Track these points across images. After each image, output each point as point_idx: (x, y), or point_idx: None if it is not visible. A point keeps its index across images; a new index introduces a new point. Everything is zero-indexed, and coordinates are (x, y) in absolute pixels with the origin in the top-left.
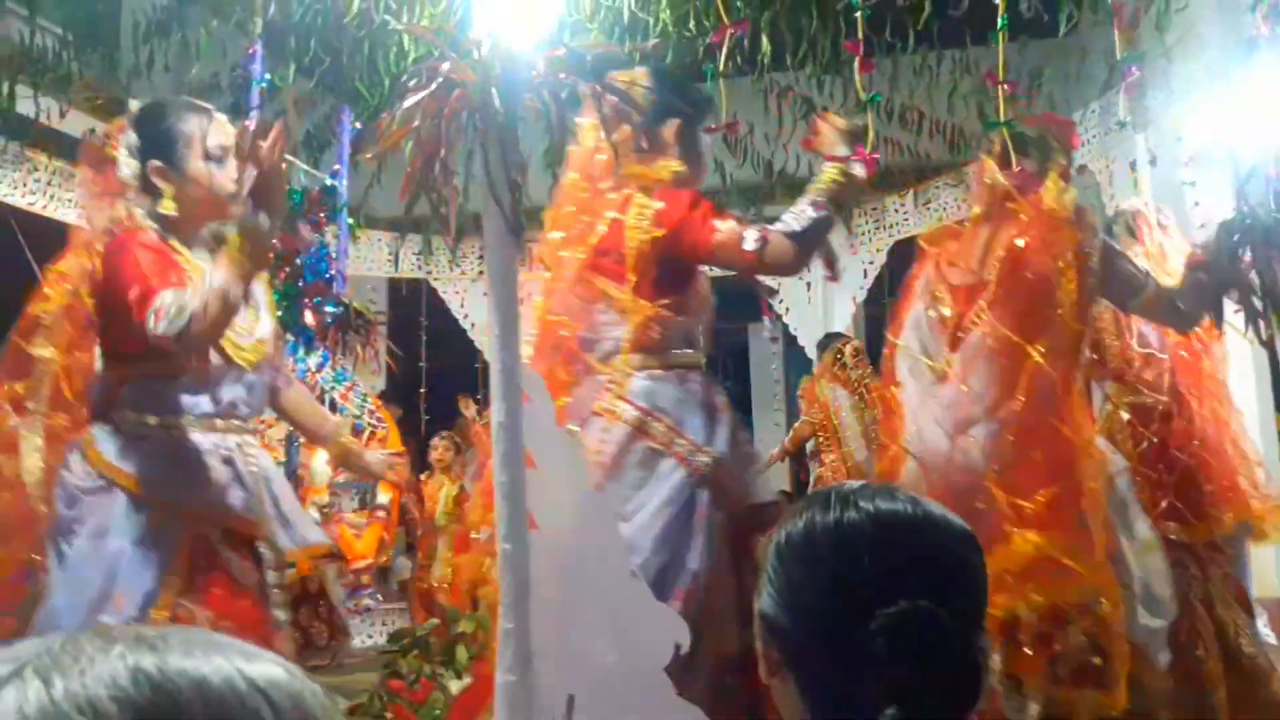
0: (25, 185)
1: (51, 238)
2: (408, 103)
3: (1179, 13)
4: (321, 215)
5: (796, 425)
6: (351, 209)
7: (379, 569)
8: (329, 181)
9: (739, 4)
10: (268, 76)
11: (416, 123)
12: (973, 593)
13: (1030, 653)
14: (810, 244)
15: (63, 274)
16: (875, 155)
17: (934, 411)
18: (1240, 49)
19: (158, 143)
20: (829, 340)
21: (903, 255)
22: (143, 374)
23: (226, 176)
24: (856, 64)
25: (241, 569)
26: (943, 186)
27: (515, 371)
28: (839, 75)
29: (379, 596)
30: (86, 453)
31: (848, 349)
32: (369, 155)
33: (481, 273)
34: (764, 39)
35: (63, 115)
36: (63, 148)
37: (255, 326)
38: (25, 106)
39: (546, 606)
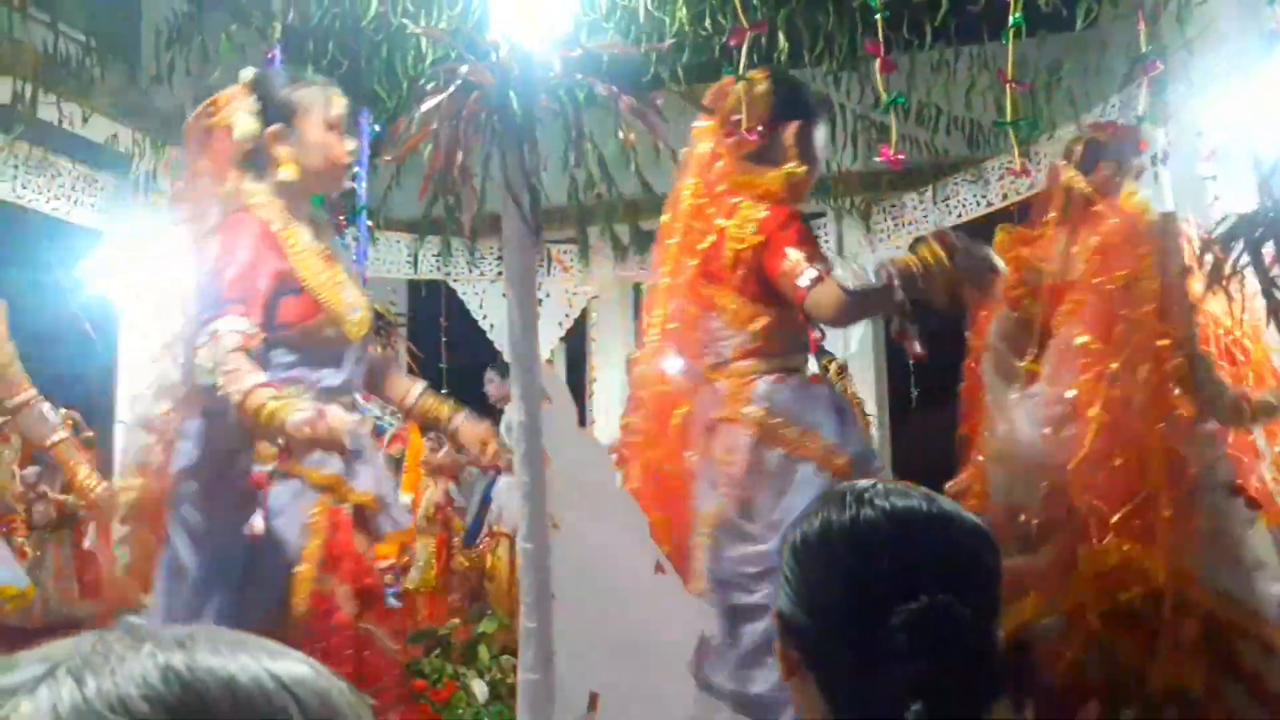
0: (50, 190)
1: (74, 242)
2: (426, 105)
3: (1199, 6)
4: (341, 217)
5: None
6: (370, 211)
7: (401, 569)
8: (348, 184)
9: (755, 2)
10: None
11: (435, 125)
12: (989, 588)
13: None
14: (858, 309)
15: None
16: (900, 156)
17: (1029, 411)
18: (1261, 42)
19: (279, 108)
20: (818, 357)
21: None
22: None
23: (343, 147)
24: (877, 65)
25: (363, 546)
26: (961, 183)
27: (535, 371)
28: (855, 72)
29: (401, 596)
30: None
31: (832, 367)
32: (388, 158)
33: (500, 273)
34: (780, 37)
35: (85, 121)
36: (85, 153)
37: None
38: (47, 112)
39: (568, 605)
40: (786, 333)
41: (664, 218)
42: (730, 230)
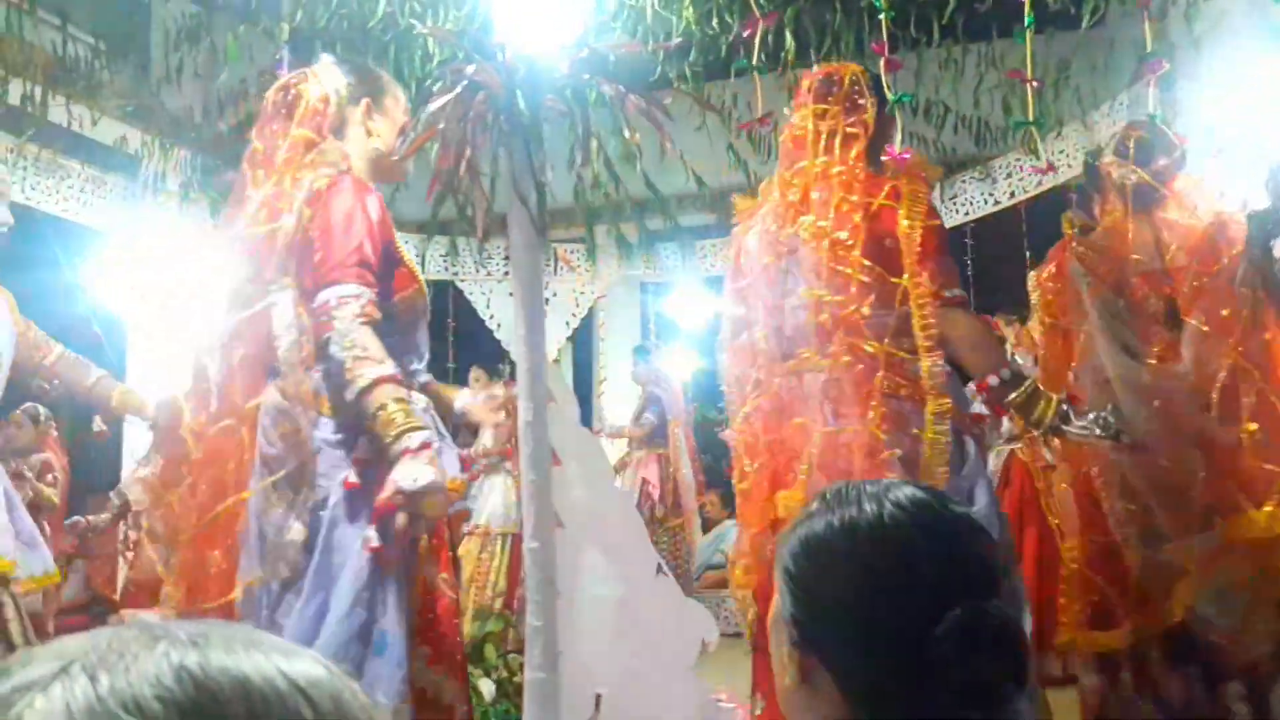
0: (59, 192)
1: (83, 244)
2: (433, 106)
3: (1207, 3)
4: None
5: None
6: None
7: None
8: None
9: (763, 1)
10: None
11: (442, 125)
12: (1009, 581)
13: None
14: (980, 362)
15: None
16: (906, 154)
17: (1182, 396)
18: (1269, 39)
19: (370, 84)
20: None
21: None
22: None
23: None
24: (883, 64)
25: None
26: (969, 181)
27: (541, 371)
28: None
29: None
30: (314, 404)
31: None
32: (395, 157)
33: (508, 273)
34: (788, 34)
35: (94, 123)
36: (94, 155)
37: None
38: (57, 114)
39: (574, 604)
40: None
41: (791, 195)
42: (904, 211)
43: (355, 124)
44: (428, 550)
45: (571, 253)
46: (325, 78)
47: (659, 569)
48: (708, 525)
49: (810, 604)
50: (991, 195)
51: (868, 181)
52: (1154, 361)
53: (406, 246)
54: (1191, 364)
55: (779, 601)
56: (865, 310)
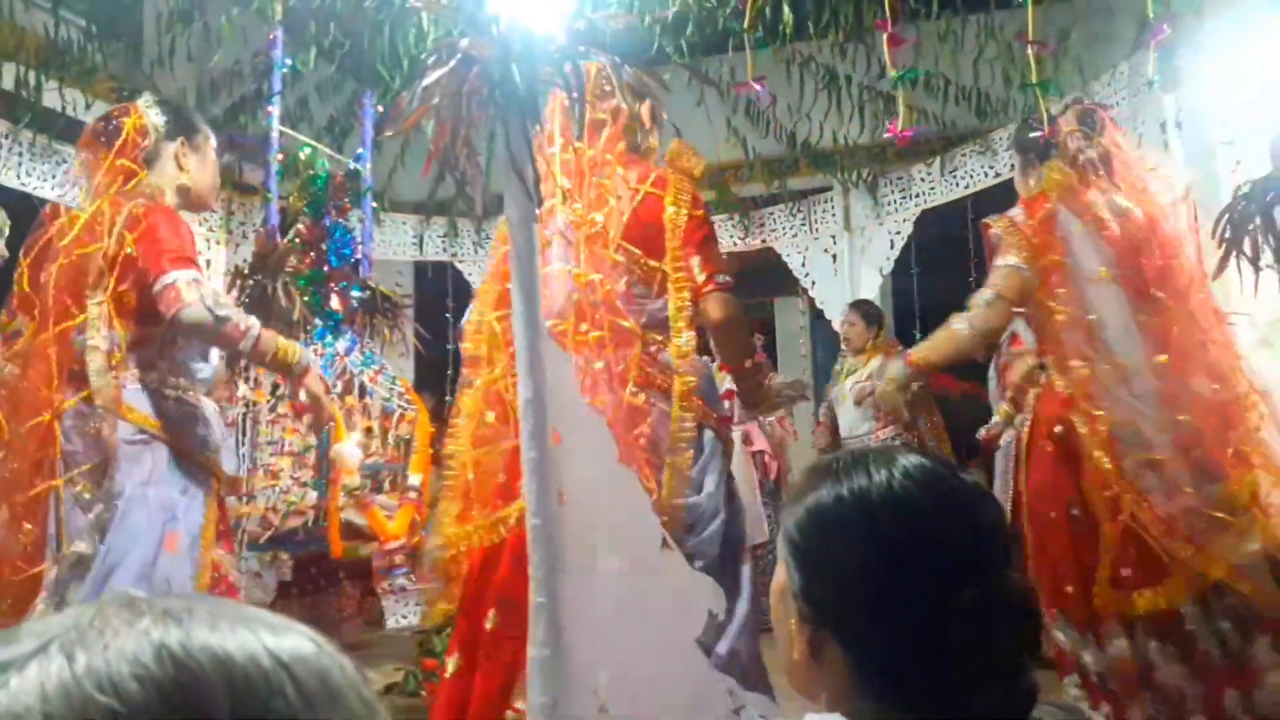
0: (54, 177)
1: None
2: (427, 80)
3: None
4: (345, 200)
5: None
6: (375, 193)
7: (412, 549)
8: (352, 165)
9: None
10: (289, 61)
11: (437, 100)
12: (1013, 548)
13: None
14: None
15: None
16: (909, 133)
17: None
18: (1273, 7)
19: (185, 125)
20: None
21: (929, 225)
22: (161, 339)
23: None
24: (885, 40)
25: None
26: (969, 154)
27: (539, 349)
28: (861, 44)
29: (413, 576)
30: (119, 410)
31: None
32: (390, 133)
33: None
34: (785, 8)
35: (88, 107)
36: None
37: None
38: (50, 99)
39: (577, 580)
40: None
41: (562, 182)
42: (669, 200)
43: (168, 158)
44: (214, 534)
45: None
46: (147, 114)
47: (664, 543)
48: None
49: (820, 577)
50: (992, 168)
51: (629, 166)
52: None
53: (404, 228)
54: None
55: (783, 574)
56: (620, 288)
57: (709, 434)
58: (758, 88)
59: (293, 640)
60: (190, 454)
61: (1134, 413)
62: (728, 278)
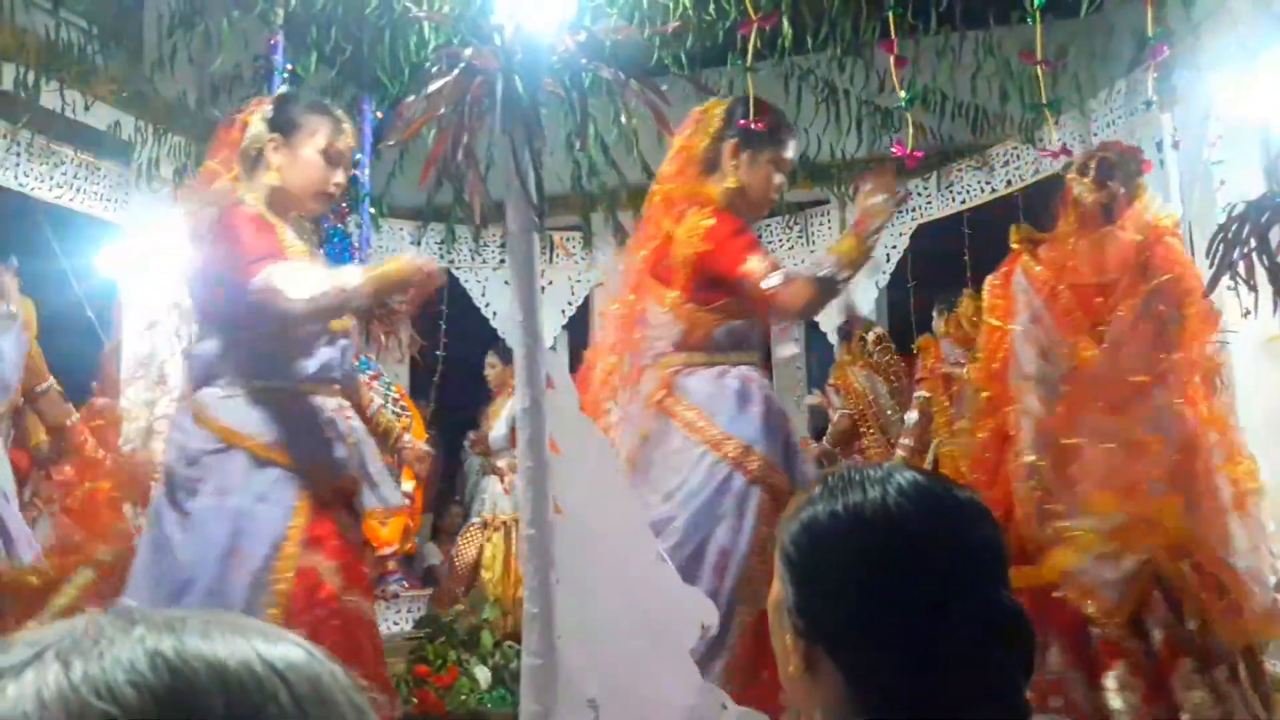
0: (52, 179)
1: (78, 231)
2: (430, 89)
3: None
4: (344, 205)
5: (835, 420)
6: (373, 198)
7: (405, 556)
8: (351, 171)
9: None
10: (289, 66)
11: (439, 110)
12: (1007, 565)
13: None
14: (823, 298)
15: None
16: (919, 154)
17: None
18: (1270, 25)
19: (284, 122)
20: (849, 326)
21: (924, 239)
22: (249, 341)
23: (329, 176)
24: (892, 62)
25: (345, 524)
26: (966, 169)
27: (538, 358)
28: (860, 58)
29: (405, 583)
30: (199, 416)
31: (870, 335)
32: (391, 143)
33: (503, 261)
34: (784, 22)
35: (88, 109)
36: (88, 141)
37: None
38: (50, 100)
39: (571, 590)
40: (721, 330)
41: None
42: (679, 235)
43: (267, 156)
44: (303, 540)
45: (568, 240)
46: (261, 109)
47: (658, 555)
48: None
49: (814, 593)
50: (989, 183)
51: (664, 201)
52: (1066, 365)
53: (401, 234)
54: (1106, 370)
55: (779, 589)
56: (633, 320)
57: (705, 451)
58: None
59: (285, 648)
60: (277, 459)
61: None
62: (786, 271)
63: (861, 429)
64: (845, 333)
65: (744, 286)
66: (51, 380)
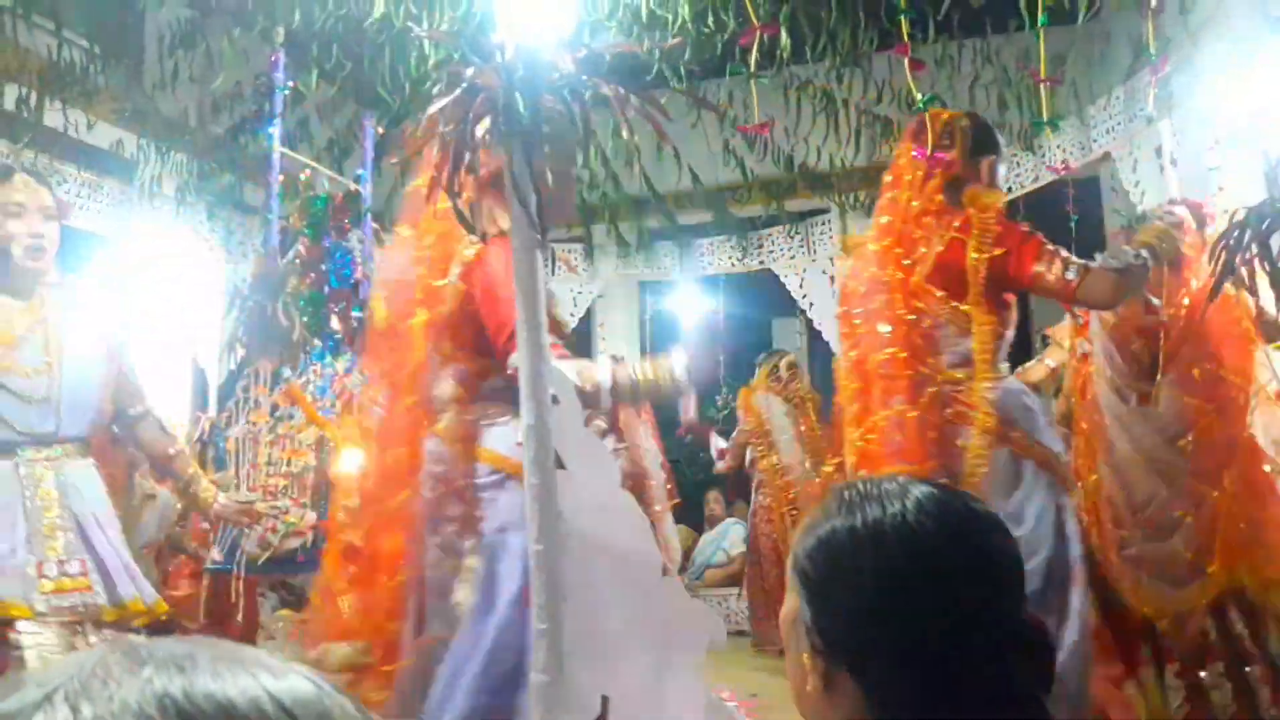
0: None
1: (79, 248)
2: (432, 108)
3: None
4: (346, 221)
5: (734, 436)
6: (375, 214)
7: None
8: (353, 187)
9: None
10: (290, 84)
11: (440, 128)
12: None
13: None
14: (1126, 288)
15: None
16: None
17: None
18: (1267, 31)
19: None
20: (768, 356)
21: None
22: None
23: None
24: (907, 64)
25: None
26: None
27: (542, 373)
28: (858, 68)
29: None
30: (478, 451)
31: (783, 363)
32: (394, 160)
33: None
34: (783, 33)
35: (90, 128)
36: (90, 160)
37: None
38: (52, 119)
39: (578, 607)
40: (1000, 342)
41: (882, 219)
42: (972, 242)
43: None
44: None
45: (570, 253)
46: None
47: (664, 570)
48: (710, 523)
49: (833, 610)
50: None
51: (940, 214)
52: (1135, 403)
53: None
54: (1166, 410)
55: (794, 604)
56: (921, 329)
57: (1029, 465)
58: (762, 131)
59: (293, 682)
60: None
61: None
62: (1081, 263)
63: (755, 443)
64: (762, 361)
65: (1040, 284)
66: (150, 403)
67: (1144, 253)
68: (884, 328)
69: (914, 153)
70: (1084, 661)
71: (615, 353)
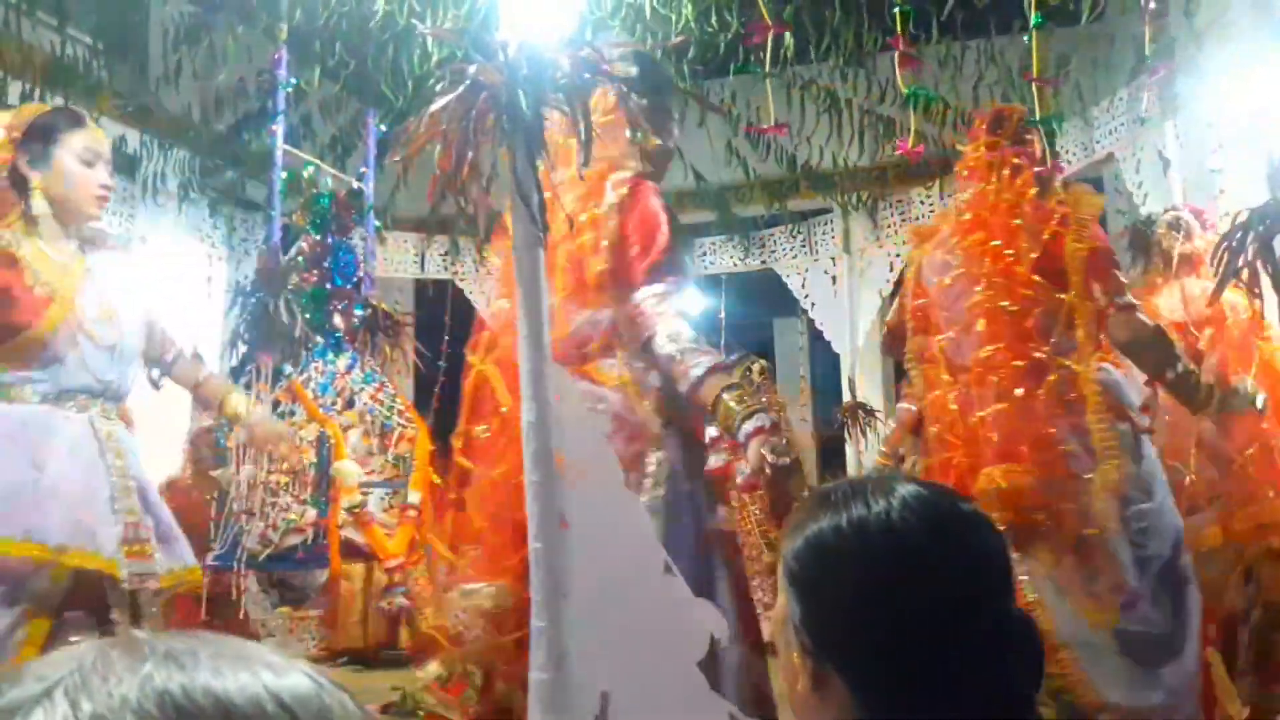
0: None
1: None
2: (435, 106)
3: None
4: (348, 218)
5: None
6: (378, 211)
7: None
8: (355, 184)
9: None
10: (294, 80)
11: (444, 125)
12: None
13: None
14: (1152, 360)
15: None
16: (919, 149)
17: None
18: (1272, 34)
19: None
20: (740, 359)
21: None
22: None
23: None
24: (896, 59)
25: None
26: None
27: (543, 370)
28: (861, 68)
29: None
30: None
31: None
32: (396, 158)
33: None
34: (787, 33)
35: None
36: None
37: None
38: None
39: (579, 604)
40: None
41: (965, 217)
42: (1071, 237)
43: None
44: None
45: None
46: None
47: (667, 567)
48: None
49: (820, 609)
50: None
51: (1036, 206)
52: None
53: (405, 245)
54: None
55: (784, 604)
56: (1033, 318)
57: (1145, 441)
58: (778, 133)
59: (294, 680)
60: None
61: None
62: (1128, 299)
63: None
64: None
65: (1112, 284)
66: (179, 345)
67: (1193, 372)
68: (984, 321)
69: (1002, 147)
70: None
71: None
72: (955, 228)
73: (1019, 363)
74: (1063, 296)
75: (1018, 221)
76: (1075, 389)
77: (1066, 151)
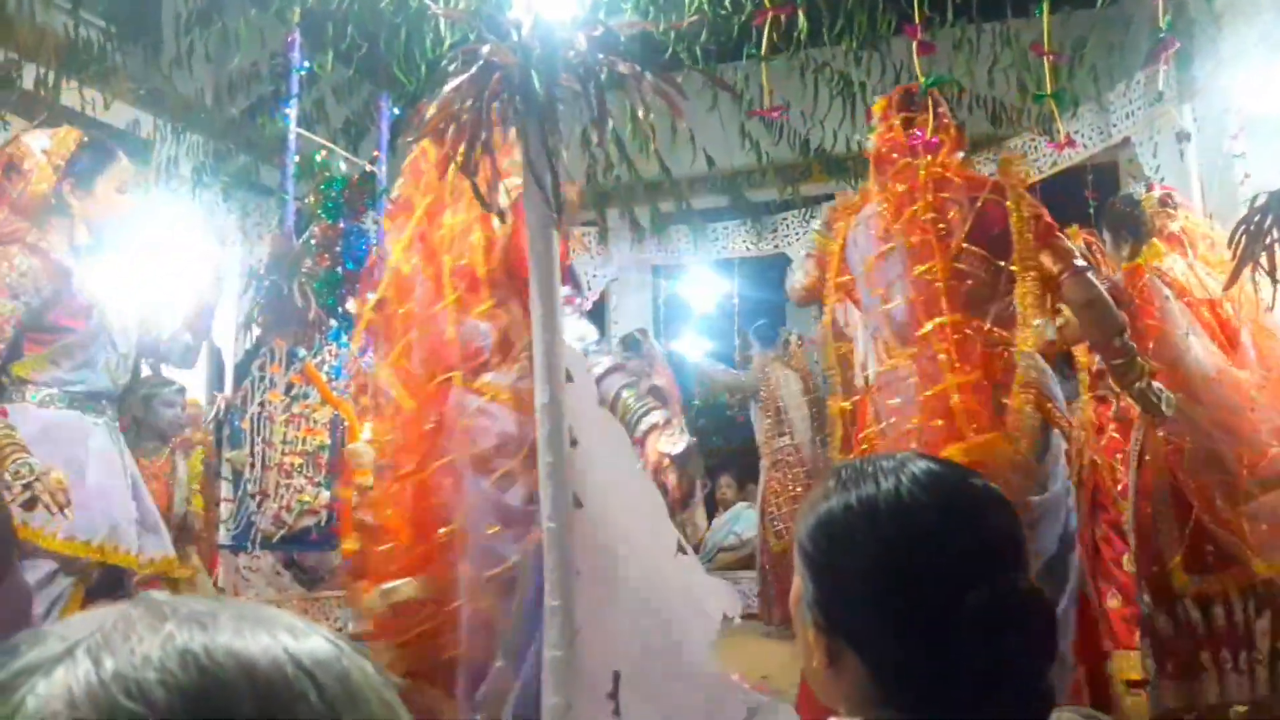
0: None
1: None
2: (448, 87)
3: None
4: (361, 202)
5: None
6: (390, 195)
7: None
8: (368, 168)
9: None
10: (306, 64)
11: (457, 106)
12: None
13: None
14: (1095, 317)
15: None
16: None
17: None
18: None
19: None
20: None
21: None
22: None
23: None
24: (914, 47)
25: None
26: (985, 162)
27: (557, 352)
28: (876, 51)
29: None
30: None
31: (793, 336)
32: (410, 139)
33: None
34: (800, 15)
35: (106, 107)
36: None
37: None
38: (69, 99)
39: (592, 583)
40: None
41: (899, 188)
42: (1011, 203)
43: None
44: None
45: (584, 235)
46: None
47: (679, 546)
48: (722, 506)
49: (832, 587)
50: None
51: (965, 176)
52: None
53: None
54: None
55: (799, 584)
56: (967, 287)
57: (1055, 434)
58: (775, 115)
59: (314, 643)
60: None
61: (1212, 442)
62: (1082, 262)
63: (764, 419)
64: (770, 337)
65: (1056, 252)
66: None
67: (1132, 347)
68: (916, 291)
69: (916, 130)
70: (1069, 627)
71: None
72: (886, 205)
73: (956, 337)
74: (1001, 264)
75: (945, 195)
76: (1011, 366)
77: (1083, 136)
